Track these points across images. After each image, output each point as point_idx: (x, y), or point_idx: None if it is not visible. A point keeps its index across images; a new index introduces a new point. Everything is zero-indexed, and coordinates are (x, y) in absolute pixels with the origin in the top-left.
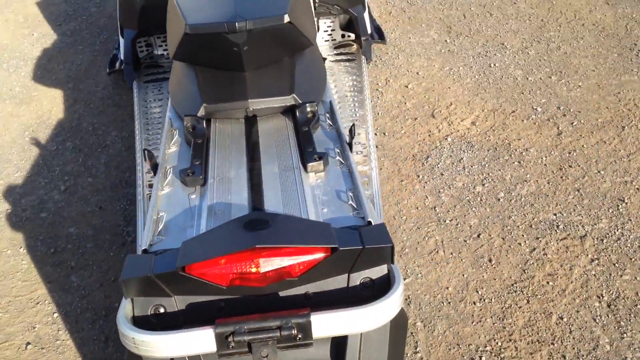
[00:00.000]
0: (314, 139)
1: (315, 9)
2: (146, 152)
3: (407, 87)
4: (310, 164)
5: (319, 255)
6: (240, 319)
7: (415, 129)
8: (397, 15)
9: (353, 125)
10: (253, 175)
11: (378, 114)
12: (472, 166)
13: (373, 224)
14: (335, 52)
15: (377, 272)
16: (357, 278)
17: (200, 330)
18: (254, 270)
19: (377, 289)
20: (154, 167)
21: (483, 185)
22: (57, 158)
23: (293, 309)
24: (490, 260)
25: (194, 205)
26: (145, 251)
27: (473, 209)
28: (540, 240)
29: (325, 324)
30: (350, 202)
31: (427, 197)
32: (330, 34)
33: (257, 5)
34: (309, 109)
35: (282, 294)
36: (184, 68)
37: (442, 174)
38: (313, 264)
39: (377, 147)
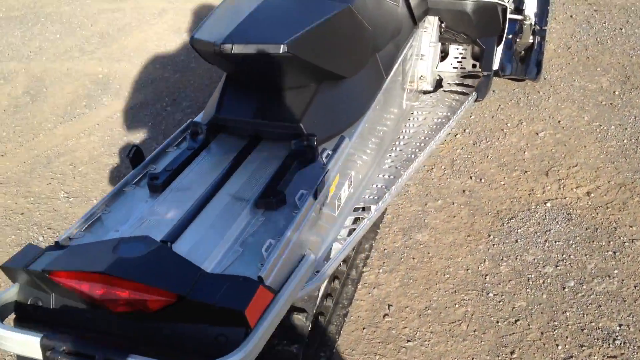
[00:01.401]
0: (299, 174)
1: (440, 33)
2: (134, 148)
3: (537, 134)
4: (261, 200)
5: (169, 298)
6: (65, 336)
7: (518, 183)
8: (575, 53)
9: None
10: (204, 197)
11: (487, 156)
12: (555, 242)
13: (264, 281)
14: (455, 81)
15: (234, 331)
16: (213, 332)
17: (29, 336)
18: (99, 293)
19: (229, 349)
20: (132, 163)
21: (556, 267)
22: None
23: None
24: (512, 353)
25: (135, 210)
26: (56, 243)
27: (528, 290)
28: (584, 350)
29: None
30: (265, 251)
31: (484, 261)
32: (460, 62)
33: (268, 30)
34: (305, 142)
35: (142, 325)
36: (223, 76)
37: (516, 241)
38: (163, 304)
39: (463, 191)
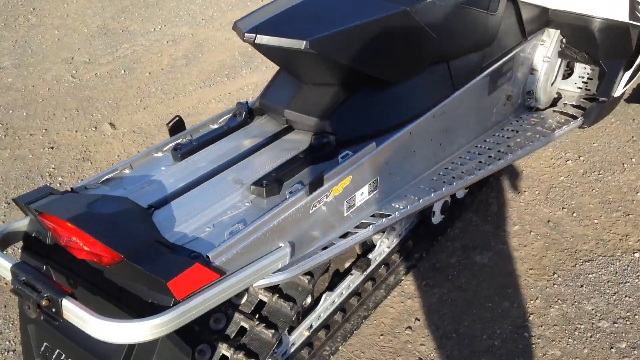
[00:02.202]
0: (310, 169)
1: (561, 49)
2: (177, 118)
3: None
4: (253, 185)
5: (114, 257)
6: (31, 270)
7: (614, 225)
8: None
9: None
10: (209, 173)
11: (592, 189)
12: (626, 297)
13: (212, 261)
14: (573, 102)
15: (162, 299)
16: (149, 295)
17: (7, 262)
18: (63, 239)
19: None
20: (170, 131)
21: (613, 323)
22: None
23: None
24: None
25: (151, 174)
26: (72, 189)
27: (570, 340)
28: None
29: (72, 313)
30: (230, 233)
31: (536, 299)
32: (585, 82)
33: (299, 25)
34: (325, 139)
35: (101, 274)
36: None
37: (581, 286)
38: (110, 261)
39: (548, 221)
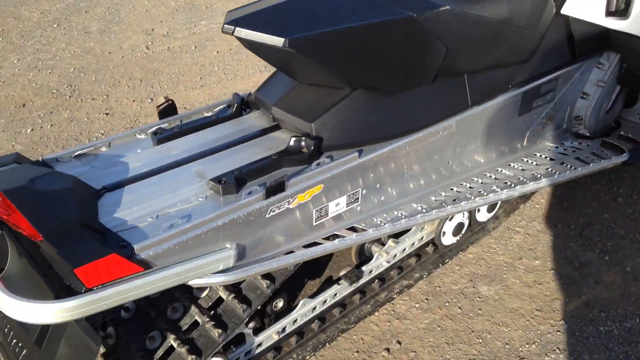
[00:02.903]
0: (280, 171)
1: (621, 74)
2: (169, 102)
3: None
4: (211, 182)
5: (36, 235)
6: None
7: None
8: None
9: None
10: (176, 162)
11: (637, 236)
12: (637, 359)
13: (137, 254)
14: (629, 135)
15: (75, 284)
16: (67, 278)
17: None
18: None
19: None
20: (161, 114)
21: None
22: None
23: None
24: None
25: (125, 154)
26: (42, 160)
27: None
28: None
29: None
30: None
31: (533, 343)
32: None
33: (284, 22)
34: (302, 143)
35: (38, 249)
36: None
37: (588, 337)
38: (34, 238)
39: (572, 262)
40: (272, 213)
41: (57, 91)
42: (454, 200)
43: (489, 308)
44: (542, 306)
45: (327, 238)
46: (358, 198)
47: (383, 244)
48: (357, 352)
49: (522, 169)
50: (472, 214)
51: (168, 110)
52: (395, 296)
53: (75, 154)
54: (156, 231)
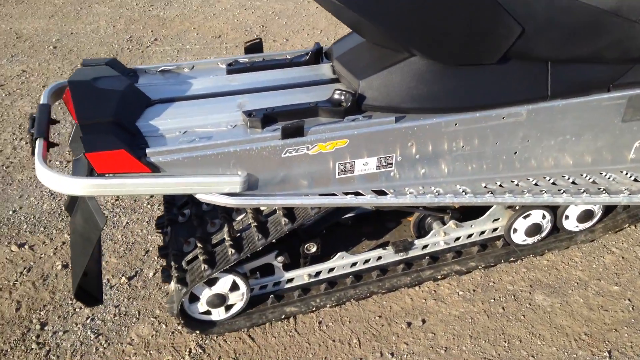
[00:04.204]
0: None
1: None
2: (258, 39)
3: None
4: (243, 114)
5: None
6: (43, 111)
7: None
8: None
9: None
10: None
11: None
12: None
13: (147, 157)
14: None
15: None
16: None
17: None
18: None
19: None
20: (247, 50)
21: None
22: None
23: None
24: None
25: (197, 78)
26: (134, 70)
27: None
28: None
29: (36, 152)
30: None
31: None
32: None
33: None
34: (342, 97)
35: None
36: None
37: None
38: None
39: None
40: (288, 154)
41: (250, 29)
42: (508, 192)
43: (533, 317)
44: (594, 332)
45: (347, 193)
46: (391, 164)
47: (444, 223)
48: (380, 316)
49: (613, 180)
50: (557, 218)
51: (254, 47)
52: (440, 277)
53: (160, 69)
54: (175, 143)
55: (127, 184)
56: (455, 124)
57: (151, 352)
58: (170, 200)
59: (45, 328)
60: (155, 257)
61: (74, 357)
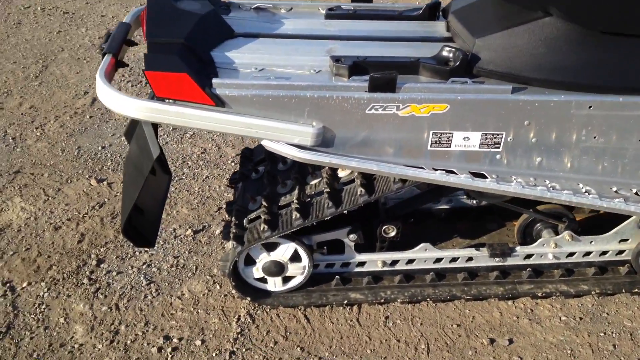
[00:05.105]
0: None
1: None
2: None
3: None
4: (331, 59)
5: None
6: (121, 28)
7: None
8: None
9: None
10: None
11: None
12: None
13: (213, 87)
14: None
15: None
16: None
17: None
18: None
19: None
20: None
21: None
22: None
23: None
24: None
25: (294, 19)
26: (227, 4)
27: None
28: None
29: (100, 69)
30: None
31: None
32: None
33: None
34: (451, 55)
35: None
36: None
37: None
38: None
39: None
40: (373, 111)
41: None
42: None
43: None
44: None
45: (437, 169)
46: (499, 144)
47: (557, 233)
48: (459, 325)
49: None
50: None
51: None
52: (541, 295)
53: (255, 5)
54: (247, 78)
55: (185, 114)
56: (590, 107)
57: (199, 310)
58: (248, 155)
59: (101, 265)
60: (225, 215)
61: (121, 300)
